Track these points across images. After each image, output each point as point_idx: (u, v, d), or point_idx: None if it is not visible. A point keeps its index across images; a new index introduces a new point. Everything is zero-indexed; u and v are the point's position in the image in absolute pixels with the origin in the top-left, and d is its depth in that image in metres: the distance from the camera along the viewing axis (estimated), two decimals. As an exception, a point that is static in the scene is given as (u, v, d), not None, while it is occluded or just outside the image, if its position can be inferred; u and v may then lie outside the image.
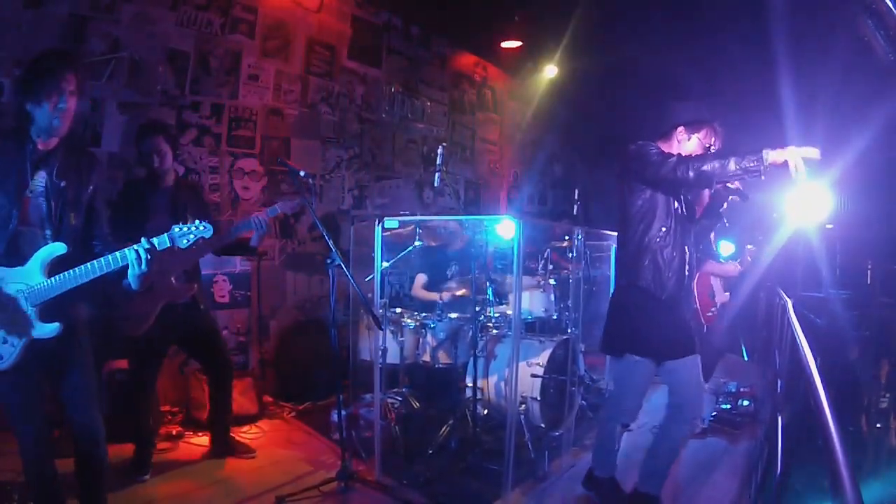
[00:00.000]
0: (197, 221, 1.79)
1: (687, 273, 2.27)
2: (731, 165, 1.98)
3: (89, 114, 3.21)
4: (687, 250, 2.27)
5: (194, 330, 2.80)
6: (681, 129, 2.28)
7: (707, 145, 2.25)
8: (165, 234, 1.76)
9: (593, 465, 2.48)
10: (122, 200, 2.67)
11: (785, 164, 1.91)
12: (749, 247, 4.18)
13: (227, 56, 3.87)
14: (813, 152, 1.89)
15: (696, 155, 2.20)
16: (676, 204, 2.28)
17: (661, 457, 2.32)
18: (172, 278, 2.57)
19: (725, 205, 2.41)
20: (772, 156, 1.94)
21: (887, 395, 3.32)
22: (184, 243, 1.77)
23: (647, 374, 2.29)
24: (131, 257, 1.70)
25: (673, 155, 2.15)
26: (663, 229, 2.21)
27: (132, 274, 1.73)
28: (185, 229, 1.77)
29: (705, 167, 2.01)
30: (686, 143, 2.27)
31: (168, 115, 3.55)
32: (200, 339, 2.86)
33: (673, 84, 4.61)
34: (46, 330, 1.73)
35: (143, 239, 1.72)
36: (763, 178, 1.97)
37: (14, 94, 1.76)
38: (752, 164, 1.95)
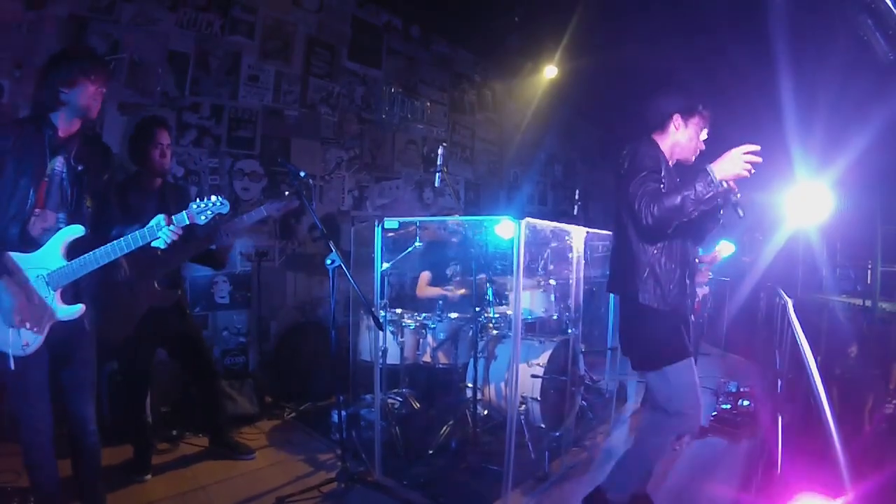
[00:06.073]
0: (214, 197, 1.83)
1: (688, 283, 2.15)
2: (699, 188, 1.84)
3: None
4: (688, 260, 2.16)
5: (178, 334, 2.82)
6: (676, 116, 2.15)
7: (700, 131, 2.17)
8: (184, 212, 1.80)
9: (611, 487, 2.21)
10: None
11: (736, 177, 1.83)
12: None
13: (226, 57, 3.88)
14: (750, 148, 1.80)
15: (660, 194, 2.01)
16: None
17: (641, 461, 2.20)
18: (154, 283, 2.55)
19: (723, 211, 2.26)
20: (718, 171, 1.83)
21: (894, 401, 3.28)
22: (202, 220, 1.82)
23: (693, 369, 2.12)
24: (164, 235, 1.76)
25: (643, 194, 1.99)
26: (659, 244, 2.09)
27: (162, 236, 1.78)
28: (202, 205, 1.82)
29: (665, 205, 1.87)
30: (683, 130, 2.16)
31: (168, 115, 3.54)
32: (184, 343, 2.87)
33: (673, 83, 4.59)
34: (69, 311, 1.76)
35: (161, 216, 1.76)
36: (737, 195, 1.91)
37: (43, 84, 1.79)
38: (708, 189, 1.83)
